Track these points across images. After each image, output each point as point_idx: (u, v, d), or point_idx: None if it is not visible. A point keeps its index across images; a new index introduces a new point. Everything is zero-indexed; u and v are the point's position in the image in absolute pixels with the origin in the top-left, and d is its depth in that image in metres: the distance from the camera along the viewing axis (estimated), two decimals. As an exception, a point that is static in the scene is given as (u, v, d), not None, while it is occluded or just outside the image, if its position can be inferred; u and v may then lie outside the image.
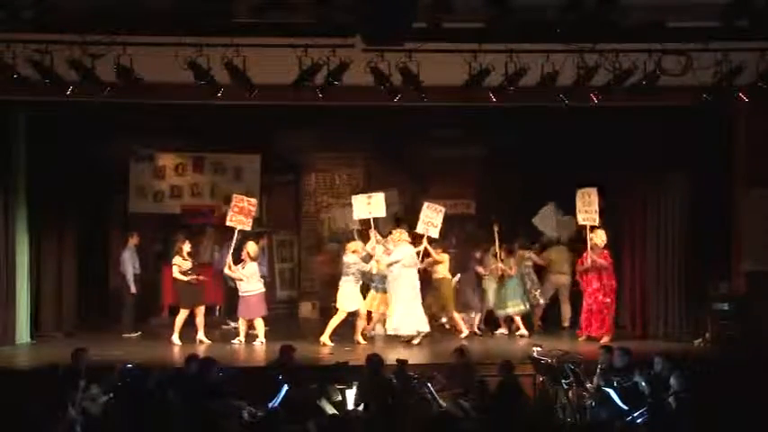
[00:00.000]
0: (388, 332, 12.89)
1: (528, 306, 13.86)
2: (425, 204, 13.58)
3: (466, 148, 15.67)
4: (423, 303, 13.14)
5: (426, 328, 12.90)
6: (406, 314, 12.78)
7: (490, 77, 10.27)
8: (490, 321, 14.24)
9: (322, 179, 16.25)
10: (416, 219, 13.42)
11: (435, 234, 13.39)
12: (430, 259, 13.45)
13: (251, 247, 13.12)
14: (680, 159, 13.14)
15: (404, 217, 14.46)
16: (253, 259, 13.03)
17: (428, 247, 13.36)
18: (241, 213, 13.08)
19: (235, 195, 13.27)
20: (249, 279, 12.92)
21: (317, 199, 16.14)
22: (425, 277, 13.48)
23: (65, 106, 11.55)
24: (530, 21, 9.11)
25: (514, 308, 13.78)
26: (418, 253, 13.17)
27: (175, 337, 12.88)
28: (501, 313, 13.91)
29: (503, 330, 13.94)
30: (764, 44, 10.10)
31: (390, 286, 12.85)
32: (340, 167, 16.24)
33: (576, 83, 10.38)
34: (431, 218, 13.38)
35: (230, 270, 13.06)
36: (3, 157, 12.73)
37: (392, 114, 12.71)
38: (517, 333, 13.71)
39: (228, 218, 13.13)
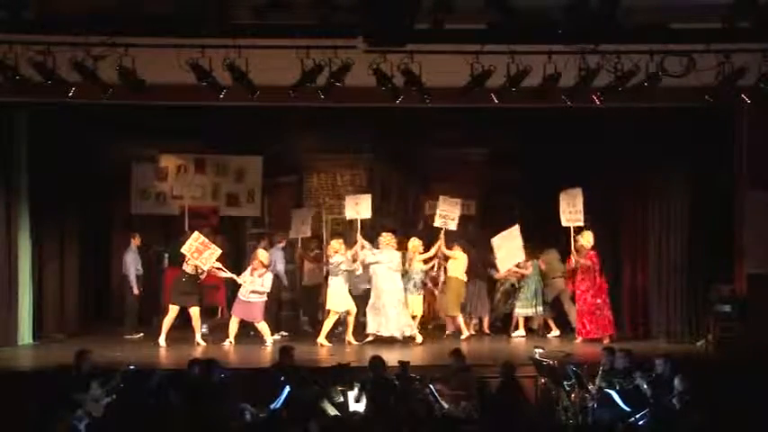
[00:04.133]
0: (384, 334, 12.89)
1: (540, 309, 13.88)
2: (441, 198, 13.67)
3: (467, 150, 15.68)
4: (435, 302, 13.56)
5: (414, 332, 12.97)
6: (403, 316, 12.89)
7: (492, 79, 10.26)
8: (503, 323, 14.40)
9: (324, 180, 16.25)
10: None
11: (453, 227, 13.49)
12: (438, 261, 13.49)
13: (262, 255, 13.05)
14: (682, 161, 13.16)
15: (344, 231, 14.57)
16: (266, 267, 12.97)
17: (443, 247, 13.44)
18: (202, 252, 12.86)
19: (182, 252, 13.03)
20: (264, 290, 12.86)
21: (319, 200, 16.14)
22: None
23: (67, 108, 11.57)
24: (532, 22, 9.10)
25: (526, 309, 13.85)
26: (433, 256, 13.39)
27: (162, 339, 12.82)
28: (521, 313, 13.95)
29: (520, 332, 13.89)
30: (766, 45, 10.09)
31: (381, 289, 12.89)
32: (342, 168, 16.24)
33: (578, 84, 10.37)
34: (447, 211, 13.45)
35: (246, 284, 12.89)
36: (5, 158, 12.74)
37: (394, 115, 12.71)
38: (549, 334, 13.87)
39: (202, 263, 12.81)
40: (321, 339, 12.78)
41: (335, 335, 13.23)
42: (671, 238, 13.34)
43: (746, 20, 9.05)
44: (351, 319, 13.11)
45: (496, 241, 13.55)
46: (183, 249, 13.00)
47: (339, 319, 13.26)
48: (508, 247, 13.58)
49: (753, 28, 9.18)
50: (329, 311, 13.00)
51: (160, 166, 15.43)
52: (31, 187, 13.14)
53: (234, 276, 13.06)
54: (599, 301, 13.08)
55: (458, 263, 13.59)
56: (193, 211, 15.24)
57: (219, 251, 13.05)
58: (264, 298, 12.95)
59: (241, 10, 9.02)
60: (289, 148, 15.86)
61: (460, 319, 13.66)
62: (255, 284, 12.82)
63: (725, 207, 12.77)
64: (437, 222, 13.51)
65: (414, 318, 13.22)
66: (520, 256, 13.59)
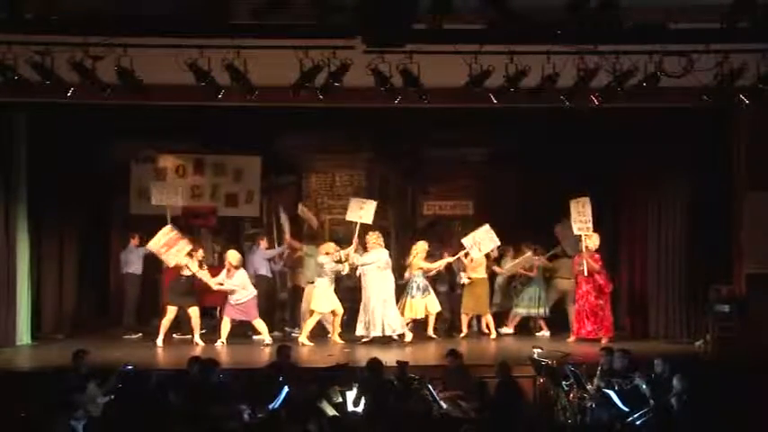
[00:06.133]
0: (375, 335, 12.88)
1: (543, 311, 13.92)
2: (486, 227, 13.49)
3: (466, 150, 15.67)
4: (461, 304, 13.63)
5: (404, 330, 13.00)
6: (390, 315, 12.88)
7: (490, 79, 10.26)
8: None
9: (322, 180, 16.23)
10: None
11: (476, 255, 13.47)
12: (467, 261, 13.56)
13: (232, 256, 13.05)
14: (680, 161, 13.17)
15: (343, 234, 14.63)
16: (236, 267, 12.95)
17: (463, 259, 13.54)
18: (171, 247, 12.86)
19: (149, 248, 13.12)
20: (240, 288, 12.86)
21: (318, 200, 16.12)
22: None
23: (65, 108, 11.56)
24: (530, 22, 9.09)
25: (529, 309, 13.90)
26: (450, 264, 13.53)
27: (160, 340, 12.83)
28: (521, 312, 14.01)
29: (508, 330, 13.99)
30: (765, 46, 10.09)
31: (370, 289, 12.91)
32: (340, 169, 16.21)
33: (577, 84, 10.37)
34: (480, 240, 13.41)
35: (218, 285, 12.91)
36: (3, 158, 12.74)
37: (392, 116, 12.71)
38: (538, 334, 13.92)
39: (169, 259, 12.87)
40: (302, 339, 12.80)
41: (326, 337, 13.25)
42: (670, 239, 13.34)
43: (746, 20, 9.05)
44: (337, 320, 13.14)
45: (468, 241, 13.46)
46: (151, 244, 13.00)
47: (326, 319, 13.26)
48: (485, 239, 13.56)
49: (752, 28, 9.17)
50: (312, 311, 13.02)
51: (159, 166, 15.39)
52: (30, 187, 13.14)
53: (208, 280, 13.00)
54: (601, 302, 13.10)
55: (481, 265, 13.65)
56: (192, 211, 15.22)
57: (189, 247, 13.04)
58: (251, 295, 12.92)
59: (240, 10, 9.02)
60: (287, 149, 15.84)
61: (490, 319, 13.77)
62: (231, 284, 12.81)
63: (725, 207, 12.77)
64: (465, 242, 13.45)
65: (414, 321, 13.30)
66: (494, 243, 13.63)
